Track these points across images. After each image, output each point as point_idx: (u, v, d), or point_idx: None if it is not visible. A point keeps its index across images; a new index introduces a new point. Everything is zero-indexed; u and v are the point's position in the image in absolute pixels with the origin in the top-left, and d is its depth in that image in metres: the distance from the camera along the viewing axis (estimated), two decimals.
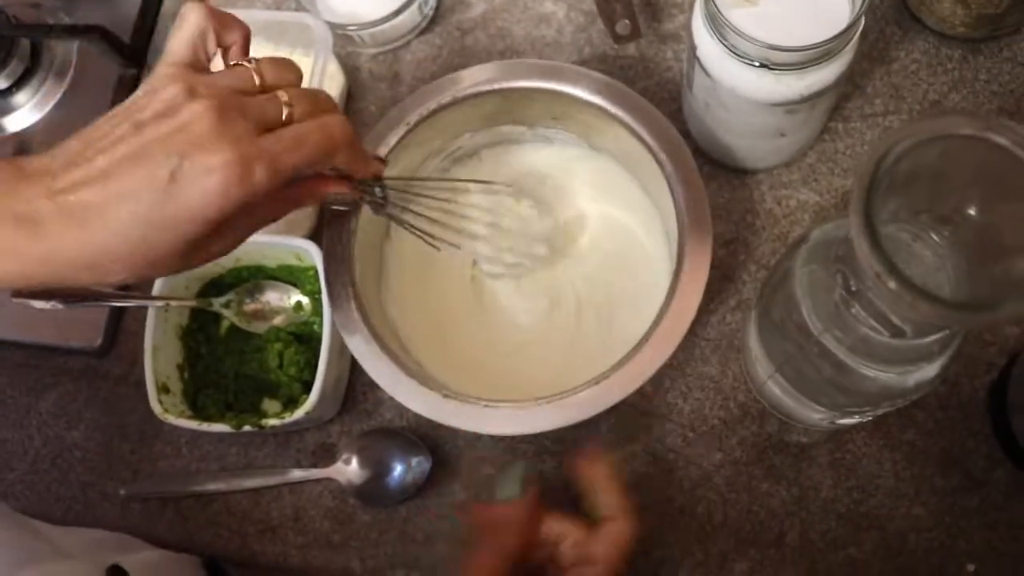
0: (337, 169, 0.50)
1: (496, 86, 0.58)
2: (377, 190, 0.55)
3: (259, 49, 0.72)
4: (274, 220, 0.49)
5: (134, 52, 0.77)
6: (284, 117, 0.45)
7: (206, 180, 0.41)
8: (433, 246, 0.57)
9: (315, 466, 0.65)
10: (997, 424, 0.59)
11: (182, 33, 0.46)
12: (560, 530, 0.51)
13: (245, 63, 0.47)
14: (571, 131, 0.62)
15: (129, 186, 0.40)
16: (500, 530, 0.50)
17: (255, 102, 0.44)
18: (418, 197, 0.57)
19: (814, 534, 0.59)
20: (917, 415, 0.60)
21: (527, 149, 0.65)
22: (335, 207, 0.57)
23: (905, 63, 0.67)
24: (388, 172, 0.57)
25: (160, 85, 0.43)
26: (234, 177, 0.41)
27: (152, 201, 0.40)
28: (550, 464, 0.62)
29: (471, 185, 0.61)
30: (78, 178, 0.41)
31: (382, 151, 0.58)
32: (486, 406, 0.52)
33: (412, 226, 0.56)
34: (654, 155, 0.55)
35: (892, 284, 0.35)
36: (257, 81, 0.46)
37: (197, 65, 0.46)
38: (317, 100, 0.47)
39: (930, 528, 0.58)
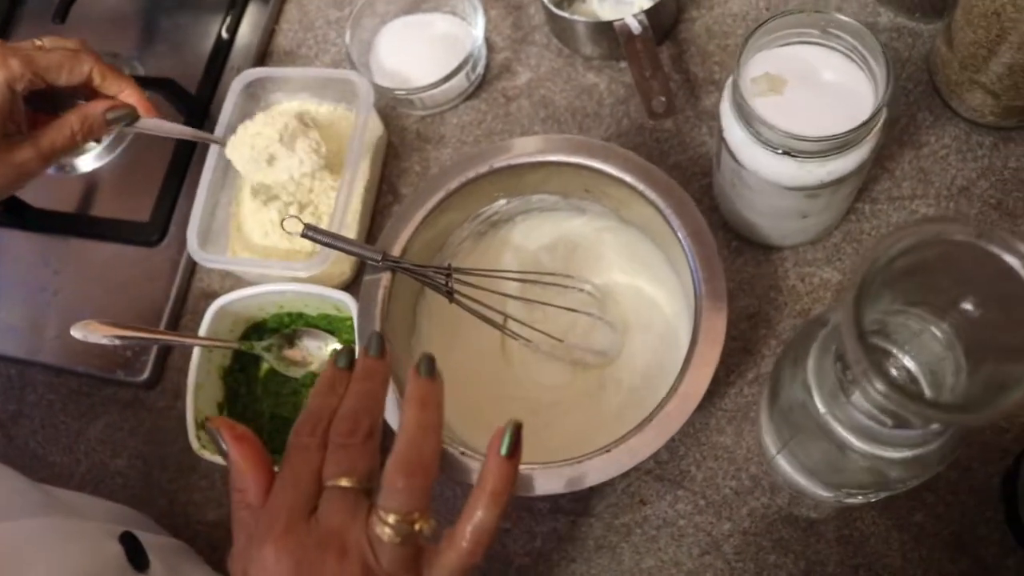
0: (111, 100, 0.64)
1: (532, 159, 0.61)
2: (444, 280, 0.59)
3: (305, 103, 0.77)
4: (71, 143, 0.63)
5: (200, 103, 0.82)
6: (37, 43, 0.62)
7: None
8: (510, 335, 0.63)
9: None
10: (1010, 511, 0.59)
11: None
12: None
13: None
14: (603, 204, 0.65)
15: None
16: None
17: (16, 44, 0.62)
18: (489, 292, 0.61)
19: None
20: (927, 497, 0.60)
21: (560, 217, 0.68)
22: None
23: (935, 148, 0.69)
24: (423, 236, 0.61)
25: None
26: None
27: None
28: (563, 522, 0.64)
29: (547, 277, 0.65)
30: None
31: (421, 214, 0.61)
32: None
33: (484, 317, 0.60)
34: (675, 232, 0.57)
35: (879, 386, 0.36)
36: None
37: None
38: (67, 40, 0.64)
39: None
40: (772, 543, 0.61)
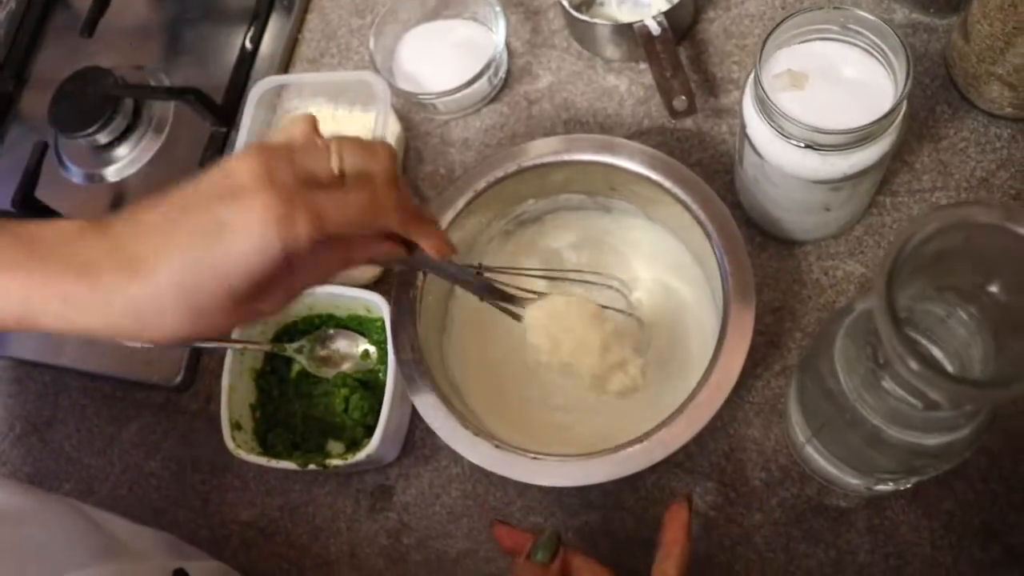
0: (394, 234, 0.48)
1: (558, 158, 0.62)
2: (476, 279, 0.60)
3: (320, 108, 0.79)
4: (322, 282, 0.48)
5: (225, 112, 0.83)
6: (335, 168, 0.44)
7: (249, 224, 0.40)
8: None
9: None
10: None
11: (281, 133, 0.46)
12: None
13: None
14: (629, 201, 0.66)
15: (176, 233, 0.40)
16: None
17: (301, 153, 0.43)
18: (519, 290, 0.61)
19: None
20: (957, 485, 0.61)
21: (587, 215, 0.69)
22: (390, 266, 0.56)
23: (954, 140, 0.69)
24: (452, 236, 0.62)
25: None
26: (277, 222, 0.40)
27: (197, 247, 0.40)
28: (594, 516, 0.65)
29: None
30: (135, 229, 0.41)
31: (450, 214, 0.62)
32: (534, 458, 0.55)
33: (513, 314, 0.61)
34: (702, 227, 0.58)
35: (913, 365, 0.37)
36: (334, 162, 0.44)
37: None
38: (372, 152, 0.45)
39: None
40: (802, 533, 0.62)
